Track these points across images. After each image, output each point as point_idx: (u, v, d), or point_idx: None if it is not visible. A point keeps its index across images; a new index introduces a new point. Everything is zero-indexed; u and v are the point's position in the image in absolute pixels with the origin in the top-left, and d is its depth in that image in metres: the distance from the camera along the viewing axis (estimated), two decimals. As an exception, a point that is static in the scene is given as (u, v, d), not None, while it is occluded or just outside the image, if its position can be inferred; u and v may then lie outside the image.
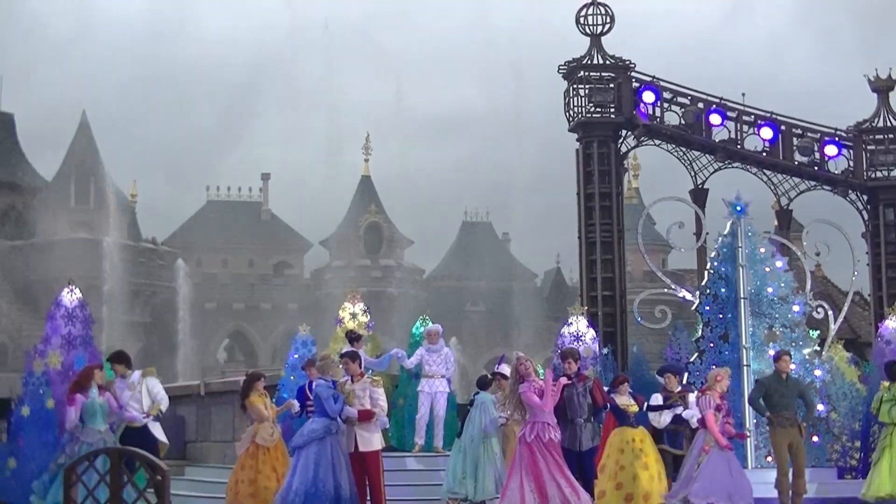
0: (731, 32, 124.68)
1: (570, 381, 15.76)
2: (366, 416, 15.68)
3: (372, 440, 15.66)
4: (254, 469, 17.11)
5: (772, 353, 20.94)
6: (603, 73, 29.19)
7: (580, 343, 23.08)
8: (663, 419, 18.56)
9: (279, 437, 17.51)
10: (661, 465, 17.70)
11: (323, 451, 15.03)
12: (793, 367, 21.16)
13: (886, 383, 18.44)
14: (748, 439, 20.32)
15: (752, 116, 29.44)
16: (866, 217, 30.19)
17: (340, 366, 16.08)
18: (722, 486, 15.33)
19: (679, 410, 18.56)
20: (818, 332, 23.27)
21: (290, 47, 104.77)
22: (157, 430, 17.05)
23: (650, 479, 17.68)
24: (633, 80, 29.09)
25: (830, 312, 23.97)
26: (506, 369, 16.99)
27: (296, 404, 18.78)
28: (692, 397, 18.78)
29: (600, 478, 17.13)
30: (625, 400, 18.04)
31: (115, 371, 17.15)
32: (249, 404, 17.41)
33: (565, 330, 23.72)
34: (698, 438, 15.83)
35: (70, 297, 20.42)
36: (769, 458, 20.80)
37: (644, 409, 18.49)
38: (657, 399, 18.80)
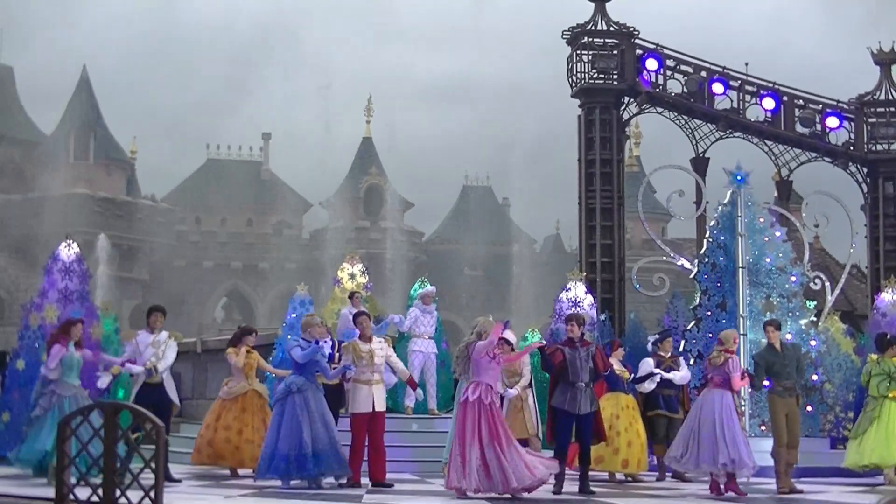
0: (737, 3, 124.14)
1: (542, 346, 15.80)
2: (413, 384, 16.91)
3: (384, 400, 15.85)
4: (238, 420, 17.37)
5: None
6: (606, 40, 29.11)
7: (578, 308, 23.10)
8: (647, 385, 18.68)
9: (251, 390, 17.68)
10: (643, 436, 17.99)
11: (302, 407, 15.08)
12: (788, 336, 21.26)
13: (875, 356, 18.44)
14: (744, 409, 20.38)
15: (755, 86, 29.38)
16: (866, 189, 30.17)
17: (322, 325, 16.23)
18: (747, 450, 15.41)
19: (658, 378, 18.64)
20: (815, 303, 23.31)
21: (296, 10, 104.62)
22: (172, 390, 17.07)
23: (641, 446, 17.89)
24: (637, 47, 29.01)
25: (828, 284, 24.00)
26: (510, 335, 17.02)
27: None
28: (683, 361, 19.04)
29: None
30: (618, 366, 18.17)
31: (153, 322, 17.01)
32: (226, 354, 17.62)
33: (563, 296, 23.73)
34: (715, 401, 15.61)
35: (67, 251, 20.40)
36: (763, 427, 20.87)
37: (632, 378, 18.60)
38: (648, 364, 18.87)
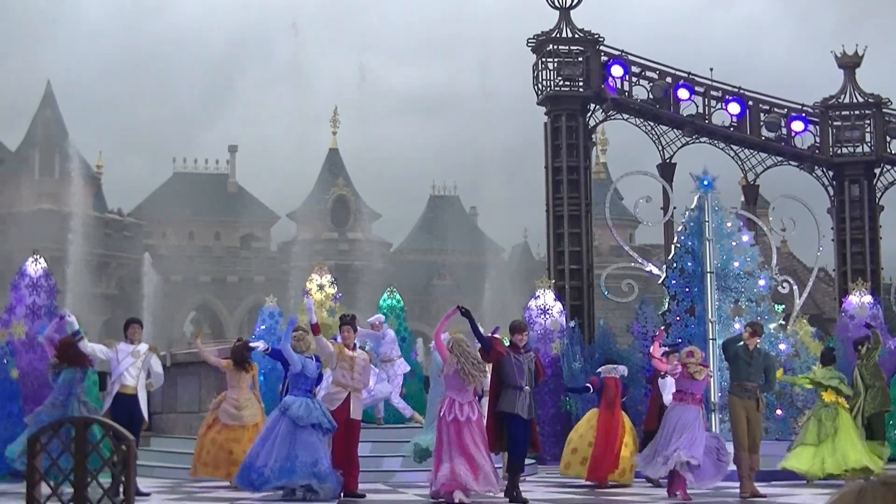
0: (710, 16, 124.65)
1: (461, 309, 15.75)
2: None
3: (360, 410, 15.82)
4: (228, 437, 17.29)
5: (738, 326, 21.05)
6: (572, 47, 29.18)
7: (547, 316, 23.14)
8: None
9: (249, 414, 17.57)
10: (634, 446, 18.07)
11: (296, 426, 15.00)
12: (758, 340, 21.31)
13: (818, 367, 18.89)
14: (713, 413, 20.43)
15: (720, 91, 29.51)
16: (832, 193, 30.35)
17: (308, 337, 16.13)
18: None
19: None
20: (783, 306, 23.42)
21: (267, 25, 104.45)
22: (143, 404, 16.93)
23: (629, 456, 18.04)
24: (602, 54, 29.10)
25: (795, 288, 24.11)
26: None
27: (262, 345, 18.88)
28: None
29: (566, 449, 17.52)
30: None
31: (132, 334, 16.81)
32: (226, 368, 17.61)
33: (532, 303, 23.79)
34: (693, 416, 15.75)
35: (34, 267, 20.31)
36: None
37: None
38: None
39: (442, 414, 14.52)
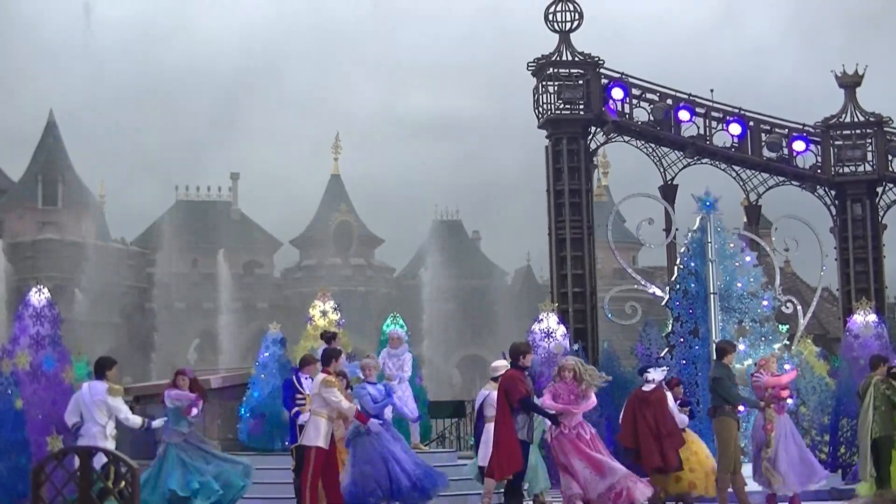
0: (715, 37, 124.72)
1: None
2: (362, 418, 16.21)
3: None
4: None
5: (742, 347, 21.05)
6: (572, 70, 29.20)
7: (551, 339, 23.11)
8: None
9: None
10: (713, 462, 17.99)
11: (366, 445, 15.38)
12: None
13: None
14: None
15: (721, 112, 29.50)
16: (834, 212, 30.31)
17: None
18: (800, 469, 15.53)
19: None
20: (787, 326, 23.40)
21: (265, 52, 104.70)
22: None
23: (706, 474, 17.97)
24: (602, 76, 29.11)
25: (799, 307, 24.11)
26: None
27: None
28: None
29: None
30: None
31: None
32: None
33: (536, 327, 23.75)
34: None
35: (38, 296, 20.28)
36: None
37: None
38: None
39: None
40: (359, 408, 15.70)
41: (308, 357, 18.47)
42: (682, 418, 18.39)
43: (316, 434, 15.56)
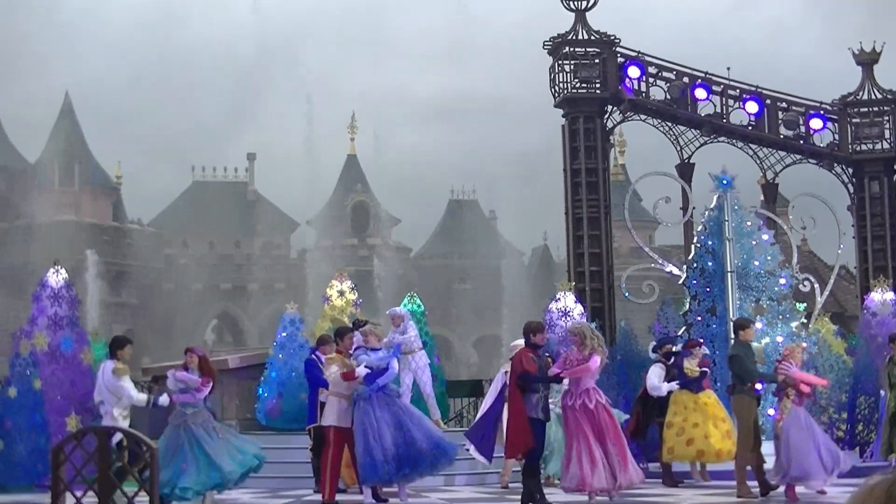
0: (736, 17, 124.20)
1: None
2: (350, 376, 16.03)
3: None
4: None
5: (759, 325, 21.01)
6: (588, 49, 29.12)
7: (568, 318, 23.10)
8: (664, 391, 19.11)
9: None
10: (730, 424, 18.04)
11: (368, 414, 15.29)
12: (780, 339, 21.33)
13: None
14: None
15: (738, 90, 29.41)
16: (851, 190, 30.22)
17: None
18: (814, 460, 15.37)
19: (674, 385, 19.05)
20: (805, 305, 23.35)
21: (283, 34, 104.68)
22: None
23: (720, 437, 18.09)
24: (619, 55, 29.03)
25: (817, 286, 24.05)
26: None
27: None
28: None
29: (668, 433, 17.79)
30: (693, 364, 18.60)
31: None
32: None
33: (553, 306, 23.75)
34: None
35: (56, 278, 20.37)
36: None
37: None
38: (658, 373, 19.21)
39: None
40: (358, 371, 15.58)
41: (325, 337, 18.54)
42: (655, 385, 18.84)
43: (333, 414, 15.65)
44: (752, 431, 15.87)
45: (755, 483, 16.02)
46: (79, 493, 9.35)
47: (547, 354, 15.67)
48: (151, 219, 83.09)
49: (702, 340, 20.10)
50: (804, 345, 16.84)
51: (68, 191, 75.28)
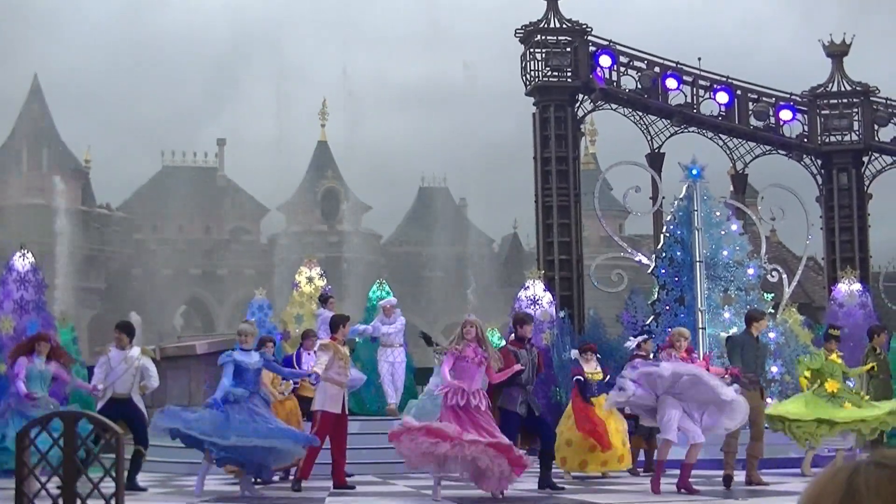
0: (713, 9, 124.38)
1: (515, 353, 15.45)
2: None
3: (348, 403, 16.00)
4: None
5: (727, 315, 21.07)
6: (560, 37, 29.13)
7: (537, 307, 23.11)
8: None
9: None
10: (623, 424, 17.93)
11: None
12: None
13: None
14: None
15: (708, 81, 29.48)
16: (820, 181, 30.35)
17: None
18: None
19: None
20: (772, 295, 23.44)
21: (252, 20, 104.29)
22: (140, 405, 16.68)
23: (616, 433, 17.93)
24: (590, 44, 29.05)
25: (785, 276, 24.13)
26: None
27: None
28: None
29: (564, 424, 17.49)
30: (591, 367, 18.07)
31: (119, 341, 16.36)
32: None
33: (522, 294, 23.77)
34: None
35: (22, 261, 20.26)
36: None
37: (606, 380, 18.53)
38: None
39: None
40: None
41: (308, 331, 18.81)
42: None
43: (322, 399, 15.65)
44: (754, 421, 15.90)
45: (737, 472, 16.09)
46: (44, 479, 9.31)
47: (533, 345, 15.45)
48: (120, 203, 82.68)
49: (594, 345, 19.66)
50: (686, 332, 16.67)
51: (36, 174, 74.84)
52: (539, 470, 15.04)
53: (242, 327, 15.73)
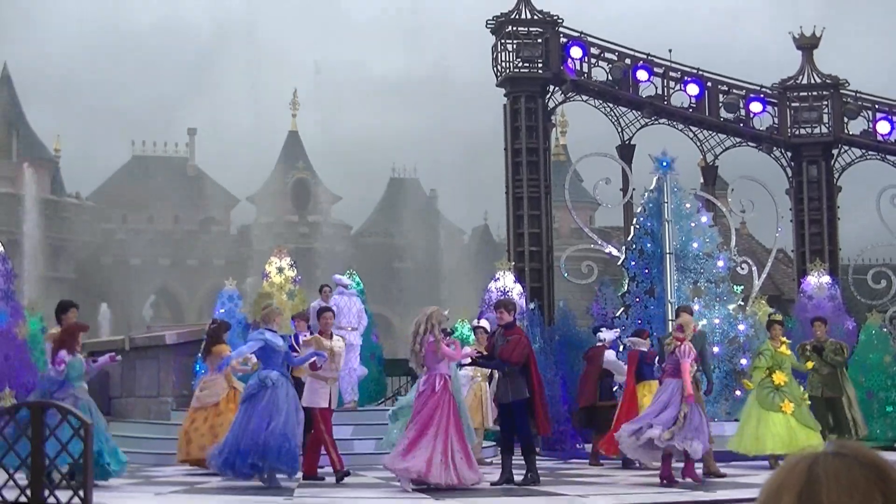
0: (686, 1, 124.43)
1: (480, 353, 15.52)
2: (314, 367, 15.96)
3: (335, 397, 16.07)
4: (216, 420, 17.02)
5: (696, 308, 21.15)
6: (531, 29, 29.13)
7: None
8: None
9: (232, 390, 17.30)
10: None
11: (274, 403, 14.72)
12: (716, 321, 21.51)
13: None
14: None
15: (679, 73, 29.54)
16: (790, 174, 30.46)
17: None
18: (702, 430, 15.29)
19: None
20: (742, 287, 23.55)
21: (223, 10, 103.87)
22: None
23: None
24: (561, 35, 29.06)
25: (754, 268, 24.25)
26: (486, 323, 17.04)
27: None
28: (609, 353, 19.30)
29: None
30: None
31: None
32: (219, 352, 17.13)
33: (492, 285, 23.81)
34: (668, 386, 15.52)
35: (-9, 251, 20.11)
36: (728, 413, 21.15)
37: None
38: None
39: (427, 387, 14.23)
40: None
41: (298, 314, 18.95)
42: (619, 367, 18.87)
43: (308, 395, 15.61)
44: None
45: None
46: (11, 470, 9.27)
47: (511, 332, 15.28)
48: (90, 193, 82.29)
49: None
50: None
51: (5, 163, 74.40)
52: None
53: (273, 307, 15.66)
